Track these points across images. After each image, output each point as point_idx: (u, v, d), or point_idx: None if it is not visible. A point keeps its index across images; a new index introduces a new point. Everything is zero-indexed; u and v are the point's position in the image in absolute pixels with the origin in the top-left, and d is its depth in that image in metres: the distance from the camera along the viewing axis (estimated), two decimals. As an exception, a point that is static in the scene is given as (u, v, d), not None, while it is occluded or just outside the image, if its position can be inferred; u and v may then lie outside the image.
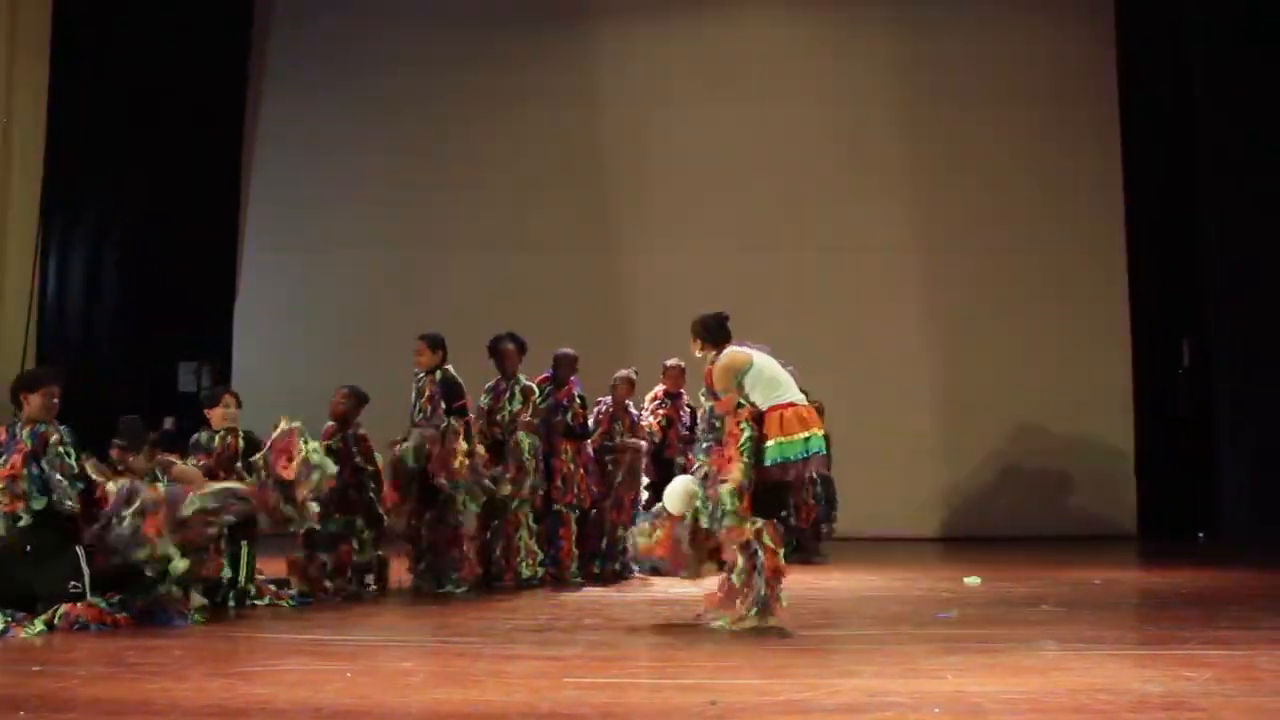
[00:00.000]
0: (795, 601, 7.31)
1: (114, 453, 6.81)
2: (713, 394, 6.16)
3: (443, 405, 7.85)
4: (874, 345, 13.24)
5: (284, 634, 5.87)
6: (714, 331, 6.32)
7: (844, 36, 13.91)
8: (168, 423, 11.32)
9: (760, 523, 5.97)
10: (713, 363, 6.20)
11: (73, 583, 5.90)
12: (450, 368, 8.05)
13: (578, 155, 13.71)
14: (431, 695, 4.29)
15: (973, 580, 8.12)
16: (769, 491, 6.04)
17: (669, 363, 9.82)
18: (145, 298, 13.23)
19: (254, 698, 4.15)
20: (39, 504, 5.96)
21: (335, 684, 4.43)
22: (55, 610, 5.78)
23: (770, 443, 5.93)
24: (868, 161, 13.57)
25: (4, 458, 6.06)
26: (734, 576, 6.04)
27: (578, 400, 8.63)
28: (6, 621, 5.66)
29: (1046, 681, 4.42)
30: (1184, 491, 12.51)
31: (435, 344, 8.08)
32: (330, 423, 7.78)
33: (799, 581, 8.58)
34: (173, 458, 6.72)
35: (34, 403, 6.14)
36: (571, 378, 8.71)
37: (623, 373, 9.24)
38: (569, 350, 8.81)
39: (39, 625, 5.70)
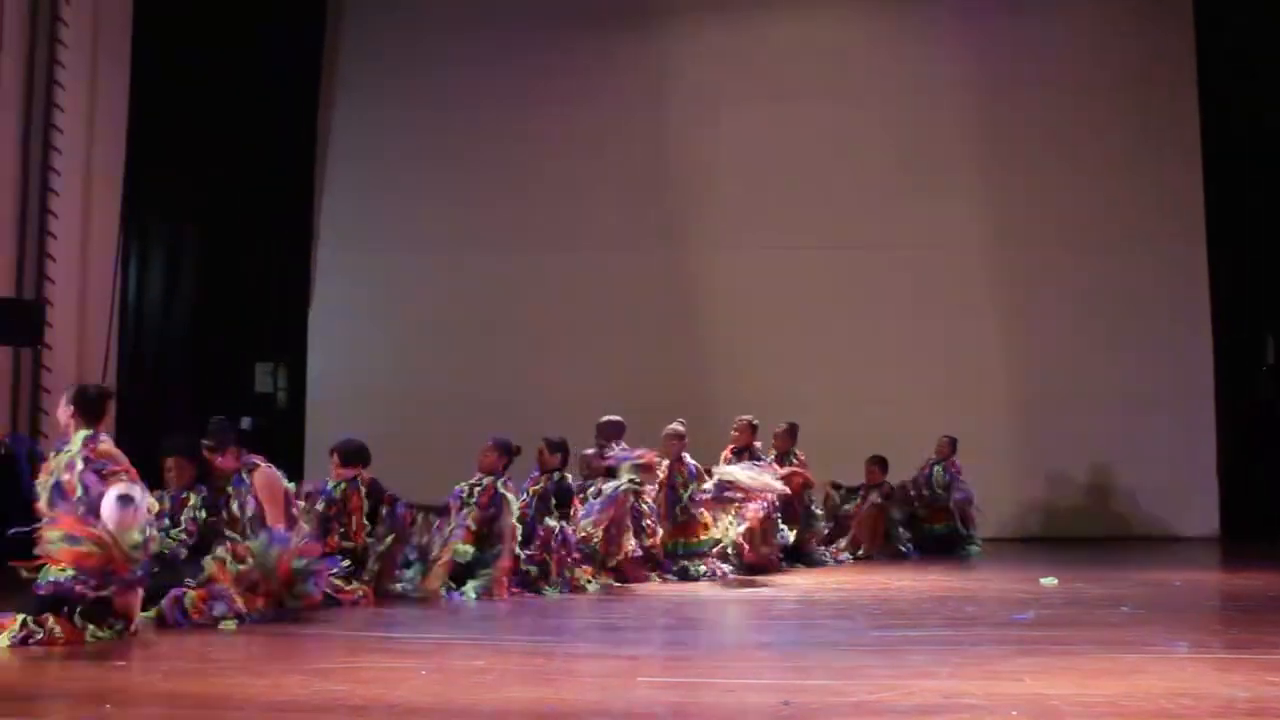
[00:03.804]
0: (869, 602, 7.27)
1: (202, 453, 6.92)
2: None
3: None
4: (945, 344, 13.08)
5: (360, 631, 5.93)
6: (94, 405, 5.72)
7: (911, 31, 13.76)
8: (244, 423, 11.52)
9: None
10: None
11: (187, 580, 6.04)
12: (568, 474, 8.16)
13: (645, 155, 13.69)
14: (504, 694, 4.31)
15: (1049, 581, 8.00)
16: None
17: (740, 420, 9.71)
18: (222, 301, 13.47)
19: (330, 694, 4.19)
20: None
21: (410, 681, 4.47)
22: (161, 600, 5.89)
23: None
24: (937, 158, 13.40)
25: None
26: None
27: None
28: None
29: (1126, 685, 4.34)
30: (1268, 491, 12.22)
31: (557, 448, 8.17)
32: (488, 478, 7.81)
33: (872, 582, 8.55)
34: (258, 459, 6.80)
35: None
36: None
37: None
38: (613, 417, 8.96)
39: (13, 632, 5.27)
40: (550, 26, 13.78)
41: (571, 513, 8.11)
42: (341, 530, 7.47)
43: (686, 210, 13.65)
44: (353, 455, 7.65)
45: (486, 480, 7.75)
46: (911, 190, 13.35)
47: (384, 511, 7.46)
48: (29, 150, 11.28)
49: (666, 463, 8.93)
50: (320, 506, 7.50)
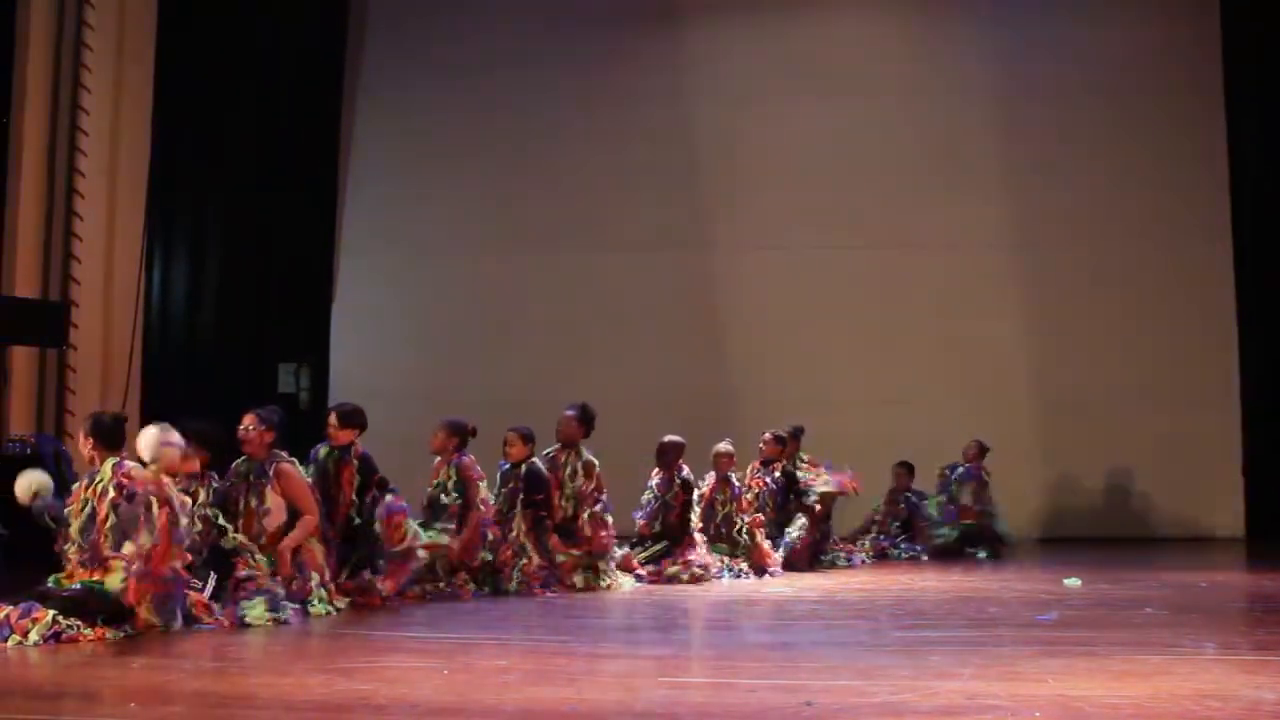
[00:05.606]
0: (891, 602, 7.25)
1: (248, 418, 6.68)
2: None
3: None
4: (970, 344, 13.02)
5: (383, 631, 5.95)
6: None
7: (937, 31, 13.70)
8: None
9: None
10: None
11: (195, 581, 5.96)
12: (537, 461, 8.02)
13: (670, 155, 13.64)
14: (526, 694, 4.31)
15: (1073, 582, 7.96)
16: None
17: (765, 436, 9.91)
18: (245, 301, 13.55)
19: (354, 693, 4.20)
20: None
21: (433, 681, 4.48)
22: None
23: None
24: (963, 158, 13.33)
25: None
26: None
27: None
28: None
29: (1151, 687, 4.31)
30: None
31: (528, 438, 8.04)
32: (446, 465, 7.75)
33: (894, 582, 8.52)
34: (283, 453, 6.78)
35: None
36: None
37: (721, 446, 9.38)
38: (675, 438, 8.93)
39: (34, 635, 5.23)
40: (575, 26, 13.77)
41: (545, 498, 7.90)
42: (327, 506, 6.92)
43: (712, 210, 13.61)
44: (350, 416, 7.25)
45: (443, 472, 7.65)
46: (938, 191, 13.28)
47: (372, 494, 7.04)
48: (55, 153, 11.39)
49: (711, 477, 9.25)
50: (309, 473, 6.99)
